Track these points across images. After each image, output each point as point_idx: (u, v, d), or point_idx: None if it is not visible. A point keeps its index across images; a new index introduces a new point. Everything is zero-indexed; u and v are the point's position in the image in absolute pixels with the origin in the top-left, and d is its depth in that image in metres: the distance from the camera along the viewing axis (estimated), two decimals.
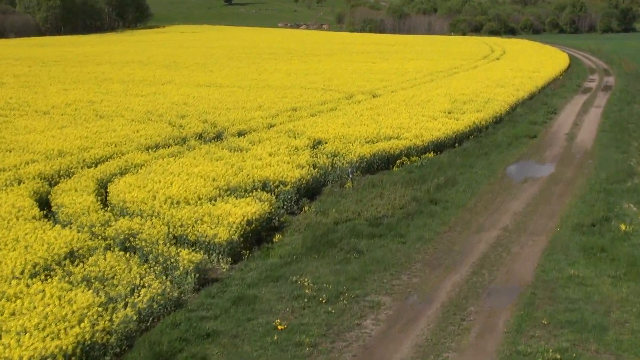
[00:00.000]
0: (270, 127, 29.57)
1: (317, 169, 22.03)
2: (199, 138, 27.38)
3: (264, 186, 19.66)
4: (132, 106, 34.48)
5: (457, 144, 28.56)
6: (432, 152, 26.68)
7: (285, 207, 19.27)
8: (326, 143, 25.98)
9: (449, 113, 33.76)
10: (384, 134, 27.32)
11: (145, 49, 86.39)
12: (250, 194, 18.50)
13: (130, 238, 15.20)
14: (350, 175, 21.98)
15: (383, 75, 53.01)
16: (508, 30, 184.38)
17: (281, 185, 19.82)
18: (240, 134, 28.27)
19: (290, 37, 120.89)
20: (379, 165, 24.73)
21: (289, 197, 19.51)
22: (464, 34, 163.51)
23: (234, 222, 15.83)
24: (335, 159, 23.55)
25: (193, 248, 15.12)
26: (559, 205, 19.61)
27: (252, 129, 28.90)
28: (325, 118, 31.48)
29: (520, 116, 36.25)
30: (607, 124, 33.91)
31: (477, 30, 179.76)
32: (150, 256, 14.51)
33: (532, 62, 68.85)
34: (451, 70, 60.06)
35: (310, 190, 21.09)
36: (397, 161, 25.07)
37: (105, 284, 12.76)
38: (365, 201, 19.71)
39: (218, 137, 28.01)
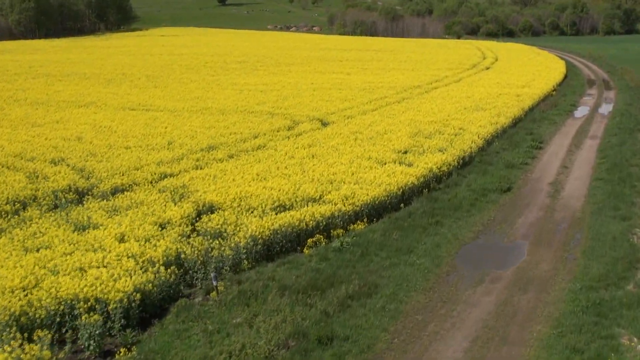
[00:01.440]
0: (162, 179, 22.58)
1: (169, 273, 14.99)
2: (55, 198, 20.41)
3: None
4: (2, 144, 27.51)
5: (403, 204, 21.55)
6: (365, 221, 19.74)
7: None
8: (218, 210, 19.03)
9: (405, 153, 26.75)
10: (304, 193, 20.34)
11: (103, 57, 79.43)
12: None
13: None
14: (215, 283, 14.94)
15: (350, 93, 46.02)
16: (506, 32, 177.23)
17: (91, 312, 12.85)
18: (115, 191, 21.28)
19: (271, 42, 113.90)
20: (285, 245, 17.78)
21: (96, 331, 12.52)
22: (458, 37, 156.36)
23: None
24: (215, 242, 16.57)
25: None
26: (521, 344, 12.60)
27: (134, 183, 21.93)
28: (240, 164, 24.52)
29: (496, 154, 29.18)
30: (603, 168, 26.83)
31: (473, 32, 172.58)
32: None
33: (524, 74, 61.76)
34: (430, 84, 53.03)
35: (155, 305, 14.16)
36: (310, 239, 18.08)
37: None
38: (222, 338, 12.72)
39: (86, 194, 21.07)
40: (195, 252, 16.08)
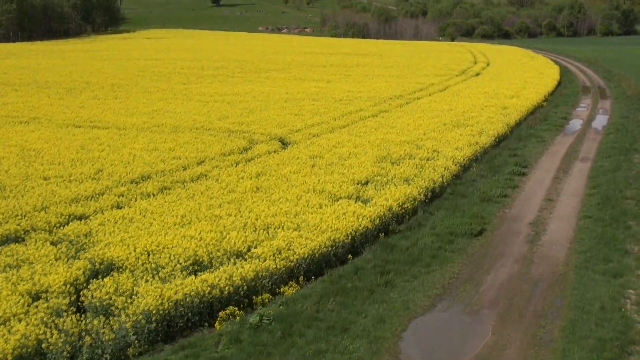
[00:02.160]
0: (67, 223, 18.96)
1: None
2: None
3: None
4: None
5: (351, 255, 18.00)
6: (300, 280, 16.22)
7: None
8: (116, 271, 15.47)
9: (365, 184, 23.26)
10: (229, 244, 16.82)
11: (76, 62, 75.75)
12: None
13: None
14: None
15: (324, 105, 42.52)
16: (502, 34, 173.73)
17: None
18: (3, 242, 17.68)
19: (257, 45, 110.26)
20: (191, 319, 14.24)
21: None
22: (452, 39, 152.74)
23: None
24: (94, 322, 13.01)
25: None
26: None
27: (32, 229, 18.32)
28: (168, 200, 21.00)
29: (472, 183, 25.64)
30: (593, 201, 23.30)
31: (468, 34, 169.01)
32: None
33: (515, 82, 58.22)
34: (414, 94, 49.50)
35: None
36: (223, 312, 14.56)
37: None
38: None
39: None
40: (63, 338, 12.51)
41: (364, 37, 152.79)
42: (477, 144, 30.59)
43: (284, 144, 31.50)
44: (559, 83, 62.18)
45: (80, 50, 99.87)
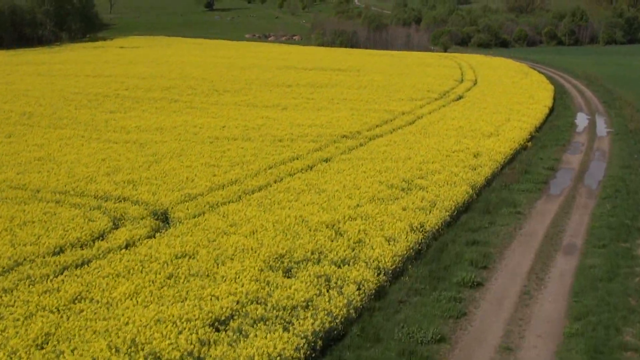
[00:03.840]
0: None
1: None
2: None
3: None
4: None
5: None
6: None
7: None
8: None
9: (217, 331, 15.04)
10: None
11: (12, 80, 67.41)
12: None
13: None
14: None
15: (256, 148, 34.91)
16: (499, 42, 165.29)
17: None
18: None
19: (229, 57, 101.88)
20: None
21: None
22: (445, 49, 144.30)
23: None
24: None
25: None
26: None
27: None
28: None
29: (398, 309, 17.36)
30: (576, 350, 14.98)
31: (464, 43, 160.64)
32: None
33: (500, 109, 49.92)
34: (373, 129, 41.30)
35: None
36: None
37: None
38: None
39: None
40: None
41: (352, 46, 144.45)
42: (422, 227, 22.27)
43: (164, 220, 23.35)
44: (551, 110, 53.83)
45: (31, 62, 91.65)
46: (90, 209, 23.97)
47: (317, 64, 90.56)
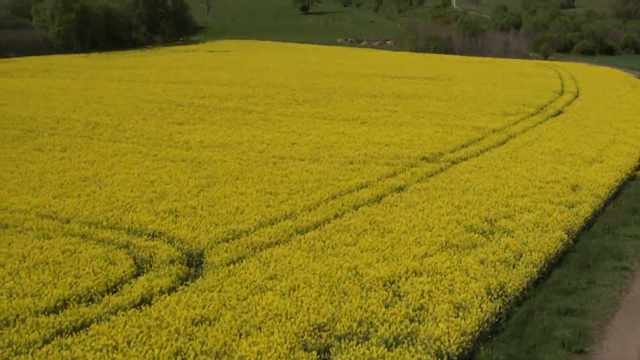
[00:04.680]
0: None
1: None
2: None
3: None
4: None
5: None
6: None
7: None
8: None
9: None
10: None
11: (91, 84, 66.11)
12: None
13: None
14: None
15: (322, 171, 31.46)
16: (604, 49, 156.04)
17: None
18: None
19: (316, 63, 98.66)
20: None
21: None
22: (545, 57, 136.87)
23: None
24: None
25: None
26: None
27: None
28: None
29: None
30: None
31: (566, 50, 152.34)
32: None
33: (604, 128, 44.63)
34: (457, 151, 37.02)
35: None
36: None
37: None
38: None
39: None
40: None
41: (446, 52, 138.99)
42: (502, 290, 18.03)
43: (197, 264, 19.98)
44: None
45: (117, 66, 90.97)
46: (116, 248, 20.89)
47: (406, 71, 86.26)
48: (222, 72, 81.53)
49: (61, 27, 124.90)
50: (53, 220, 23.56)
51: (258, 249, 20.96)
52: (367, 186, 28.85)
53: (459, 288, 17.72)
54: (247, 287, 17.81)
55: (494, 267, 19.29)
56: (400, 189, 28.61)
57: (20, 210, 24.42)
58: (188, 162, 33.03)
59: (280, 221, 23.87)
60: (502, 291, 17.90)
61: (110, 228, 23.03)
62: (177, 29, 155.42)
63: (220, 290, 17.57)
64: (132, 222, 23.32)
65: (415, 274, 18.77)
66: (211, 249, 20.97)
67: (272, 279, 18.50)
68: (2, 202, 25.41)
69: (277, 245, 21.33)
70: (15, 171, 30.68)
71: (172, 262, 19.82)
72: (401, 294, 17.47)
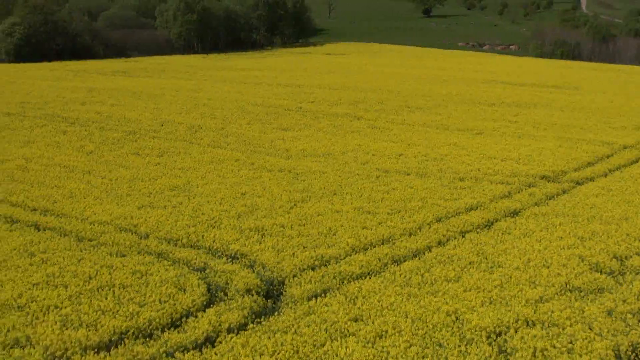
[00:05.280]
0: None
1: None
2: None
3: None
4: None
5: None
6: None
7: None
8: None
9: None
10: None
11: (203, 86, 65.58)
12: None
13: None
14: None
15: (429, 187, 28.76)
16: None
17: None
18: None
19: (433, 67, 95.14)
20: None
21: None
22: None
23: None
24: None
25: None
26: None
27: None
28: None
29: None
30: None
31: None
32: None
33: None
34: (583, 169, 33.29)
35: None
36: None
37: None
38: None
39: None
40: None
41: (573, 58, 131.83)
42: (635, 353, 14.74)
43: (276, 296, 17.76)
44: None
45: (232, 67, 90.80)
46: (191, 271, 18.93)
47: (529, 78, 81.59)
48: (335, 75, 79.67)
49: (182, 27, 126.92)
50: (132, 234, 21.97)
51: (346, 281, 18.51)
52: (477, 208, 25.86)
53: (580, 347, 14.62)
54: (326, 329, 15.40)
55: (625, 320, 16.03)
56: (514, 213, 25.46)
57: (101, 221, 22.99)
58: (285, 173, 30.99)
59: (375, 246, 21.36)
60: (634, 355, 14.66)
61: (190, 246, 21.19)
62: (296, 31, 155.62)
63: (295, 332, 15.24)
64: (214, 241, 21.39)
65: (528, 324, 15.79)
66: (294, 277, 18.71)
67: (356, 320, 16.01)
68: (84, 211, 24.08)
69: (368, 277, 18.80)
70: (107, 176, 29.54)
71: (248, 291, 17.67)
72: (508, 350, 14.58)
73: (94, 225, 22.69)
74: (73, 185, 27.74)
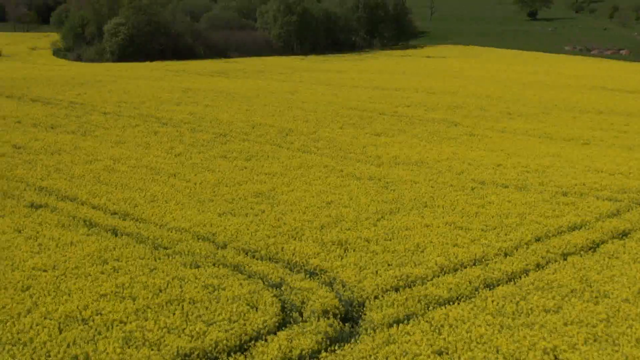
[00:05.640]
0: None
1: None
2: None
3: None
4: None
5: None
6: None
7: None
8: None
9: None
10: None
11: (296, 88, 64.86)
12: None
13: None
14: None
15: (528, 202, 26.85)
16: None
17: None
18: None
19: (533, 72, 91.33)
20: None
21: None
22: None
23: None
24: None
25: None
26: None
27: None
28: None
29: None
30: None
31: None
32: None
33: None
34: None
35: None
36: None
37: None
38: None
39: None
40: None
41: None
42: None
43: (354, 319, 16.42)
44: None
45: (329, 69, 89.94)
46: (266, 287, 17.76)
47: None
48: (434, 79, 77.59)
49: (282, 29, 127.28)
50: (209, 243, 21.04)
51: (431, 306, 16.91)
52: (581, 227, 23.69)
53: None
54: None
55: None
56: (624, 235, 23.16)
57: (179, 228, 22.19)
58: (375, 181, 29.55)
59: (466, 267, 19.64)
60: None
61: (268, 259, 20.06)
62: (397, 33, 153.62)
63: None
64: (294, 254, 20.20)
65: None
66: (375, 299, 17.25)
67: (441, 354, 14.43)
68: (164, 217, 23.37)
69: (456, 302, 17.13)
70: (192, 180, 28.88)
71: (325, 313, 16.34)
72: None
73: (171, 232, 21.91)
74: (156, 188, 27.16)
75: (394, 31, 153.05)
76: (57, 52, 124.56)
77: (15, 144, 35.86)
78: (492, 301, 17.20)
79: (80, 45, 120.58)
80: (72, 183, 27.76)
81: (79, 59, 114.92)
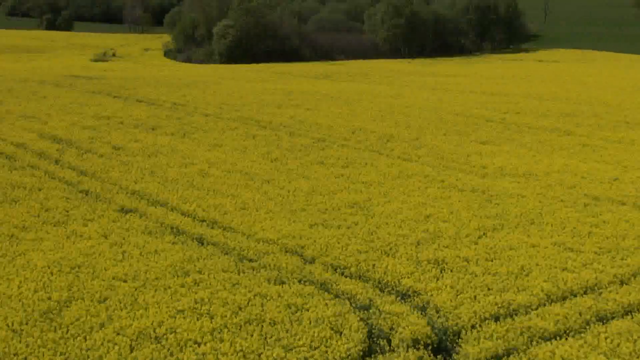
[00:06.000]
0: None
1: None
2: None
3: None
4: None
5: None
6: None
7: None
8: None
9: None
10: None
11: (401, 93, 63.17)
12: None
13: None
14: None
15: (623, 234, 23.90)
16: None
17: None
18: None
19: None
20: None
21: None
22: None
23: None
24: None
25: None
26: None
27: None
28: None
29: None
30: None
31: None
32: None
33: None
34: None
35: None
36: None
37: None
38: None
39: None
40: None
41: None
42: None
43: (446, 352, 14.87)
44: None
45: (436, 73, 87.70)
46: (353, 309, 16.45)
47: None
48: (546, 84, 74.17)
49: (389, 31, 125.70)
50: (296, 257, 19.96)
51: (535, 340, 15.16)
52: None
53: None
54: None
55: None
56: None
57: (267, 239, 21.20)
58: (477, 194, 27.73)
59: (576, 296, 17.74)
60: None
61: (358, 277, 18.78)
62: (508, 36, 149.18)
63: None
64: (385, 272, 18.82)
65: None
66: (472, 328, 15.65)
67: None
68: (253, 226, 22.45)
69: (564, 338, 15.30)
70: (286, 187, 27.92)
71: (415, 342, 14.88)
72: None
73: (259, 243, 20.94)
74: (248, 195, 26.34)
75: (505, 34, 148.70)
76: (168, 53, 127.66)
77: (115, 144, 36.00)
78: (606, 338, 15.29)
79: (190, 46, 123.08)
80: (164, 187, 27.32)
81: (188, 60, 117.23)
